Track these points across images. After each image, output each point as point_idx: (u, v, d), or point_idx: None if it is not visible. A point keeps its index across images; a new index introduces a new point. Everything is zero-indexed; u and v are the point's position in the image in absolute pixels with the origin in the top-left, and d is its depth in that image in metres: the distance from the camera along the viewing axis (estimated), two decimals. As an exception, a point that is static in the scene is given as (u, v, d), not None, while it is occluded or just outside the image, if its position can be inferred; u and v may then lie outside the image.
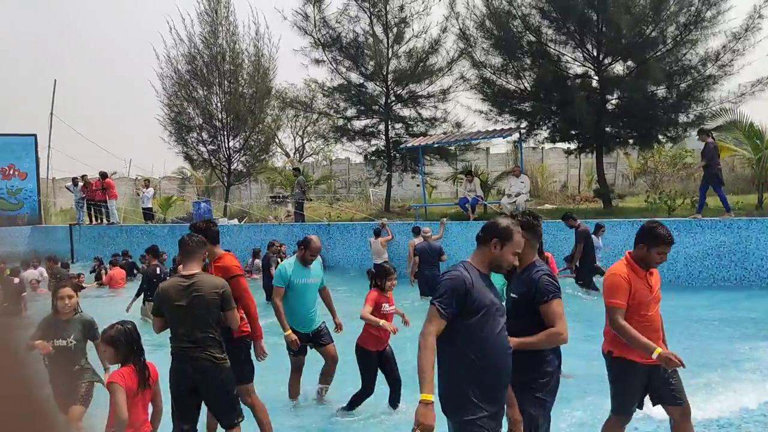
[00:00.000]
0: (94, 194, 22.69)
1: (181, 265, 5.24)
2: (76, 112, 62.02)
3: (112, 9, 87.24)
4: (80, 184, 23.01)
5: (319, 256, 6.70)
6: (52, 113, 26.22)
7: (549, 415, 4.05)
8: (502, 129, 18.67)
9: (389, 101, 21.66)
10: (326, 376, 6.72)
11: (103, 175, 22.70)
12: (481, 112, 19.20)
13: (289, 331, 6.29)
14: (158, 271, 11.37)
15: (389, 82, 21.45)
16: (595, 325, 9.48)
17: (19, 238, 24.80)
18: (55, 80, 26.61)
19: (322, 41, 21.61)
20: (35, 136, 26.18)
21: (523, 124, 18.84)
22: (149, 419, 4.40)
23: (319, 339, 6.61)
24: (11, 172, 25.53)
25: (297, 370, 6.68)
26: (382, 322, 5.96)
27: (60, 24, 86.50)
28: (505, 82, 18.72)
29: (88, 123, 62.86)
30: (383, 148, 22.27)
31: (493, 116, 19.01)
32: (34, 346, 5.07)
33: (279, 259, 14.71)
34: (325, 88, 22.88)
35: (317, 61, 21.89)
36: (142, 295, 11.34)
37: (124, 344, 4.32)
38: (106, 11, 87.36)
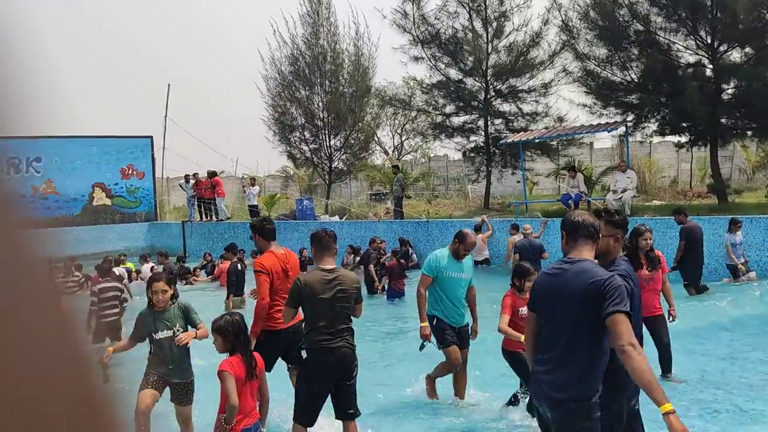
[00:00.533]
0: (204, 192, 23.84)
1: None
2: (189, 114, 65.41)
3: (221, 16, 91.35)
4: (192, 181, 24.25)
5: (471, 253, 6.36)
6: (166, 116, 27.79)
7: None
8: (607, 123, 17.98)
9: (489, 97, 21.40)
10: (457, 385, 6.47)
11: (212, 174, 23.80)
12: (585, 105, 18.59)
13: (425, 324, 6.17)
14: (239, 267, 11.80)
15: (489, 78, 21.19)
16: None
17: (138, 233, 26.48)
18: (169, 84, 28.07)
19: (420, 38, 21.66)
20: (151, 137, 27.85)
21: (630, 117, 18.05)
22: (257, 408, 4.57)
23: (459, 340, 6.31)
24: (130, 171, 27.29)
25: (451, 366, 6.29)
26: (522, 338, 5.34)
27: (173, 31, 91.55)
28: (610, 74, 18.02)
29: (200, 124, 66.18)
30: (482, 145, 22.03)
31: (597, 110, 18.35)
32: (124, 347, 5.31)
33: (378, 256, 14.91)
34: (424, 85, 22.93)
35: (416, 59, 21.97)
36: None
37: (231, 334, 4.50)
38: (214, 18, 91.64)
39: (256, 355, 4.59)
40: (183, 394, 5.21)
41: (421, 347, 6.36)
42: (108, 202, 26.74)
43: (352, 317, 5.06)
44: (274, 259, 5.82)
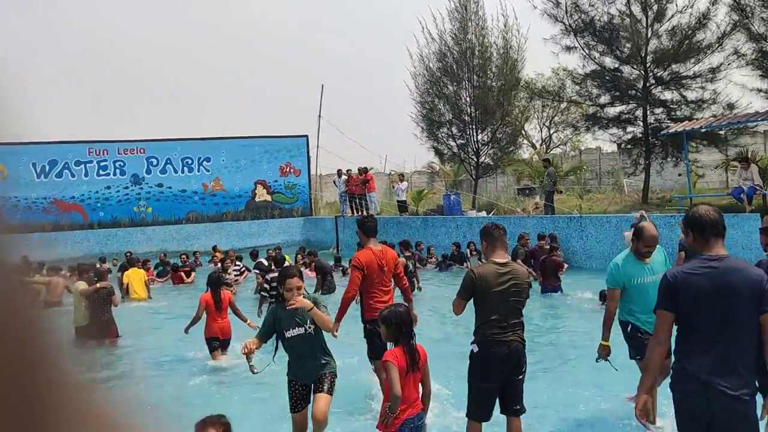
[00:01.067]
0: (354, 188, 24.65)
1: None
2: (340, 114, 68.04)
3: (371, 16, 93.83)
4: (344, 177, 25.17)
5: (659, 247, 5.60)
6: (320, 116, 29.08)
7: None
8: (787, 108, 16.31)
9: (648, 85, 20.19)
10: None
11: (363, 170, 24.54)
12: (760, 90, 17.01)
13: (606, 343, 5.62)
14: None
15: (648, 64, 19.98)
16: None
17: (295, 228, 27.95)
18: (323, 85, 29.31)
19: (573, 27, 20.89)
20: (307, 136, 29.29)
21: (815, 102, 16.25)
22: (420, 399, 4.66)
23: None
24: (288, 169, 28.90)
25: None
26: None
27: (327, 32, 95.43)
28: (790, 55, 16.34)
29: (350, 123, 68.53)
30: (640, 136, 20.84)
31: (775, 94, 16.72)
32: (256, 345, 5.00)
33: (526, 251, 14.62)
34: (576, 75, 22.10)
35: (568, 48, 21.23)
36: None
37: (393, 325, 4.62)
38: (364, 18, 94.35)
39: (420, 347, 4.67)
40: (323, 383, 5.11)
41: (597, 359, 5.84)
42: (268, 198, 28.51)
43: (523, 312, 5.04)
44: (371, 255, 6.38)
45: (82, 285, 10.23)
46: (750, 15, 16.76)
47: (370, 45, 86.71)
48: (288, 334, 5.07)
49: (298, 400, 5.18)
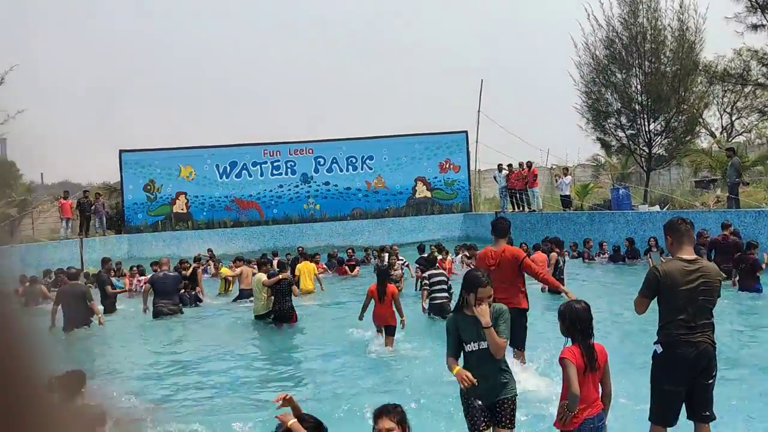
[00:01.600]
0: (515, 183, 24.20)
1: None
2: (500, 107, 67.29)
3: (529, 7, 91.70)
4: (504, 172, 24.82)
5: None
6: (479, 110, 28.92)
7: None
8: None
9: None
10: None
11: (528, 165, 24.00)
12: None
13: None
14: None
15: None
16: None
17: (454, 224, 28.05)
18: (482, 80, 29.11)
19: (760, 3, 18.96)
20: (466, 132, 29.26)
21: None
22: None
23: None
24: (447, 165, 29.07)
25: None
26: None
27: (485, 29, 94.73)
28: None
29: (510, 116, 67.52)
30: None
31: None
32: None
33: (701, 248, 13.47)
34: (764, 56, 20.06)
35: (754, 27, 19.36)
36: None
37: (568, 320, 4.48)
38: (522, 10, 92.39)
39: (599, 346, 4.50)
40: (504, 413, 4.56)
41: None
42: (428, 194, 28.88)
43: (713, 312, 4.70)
44: (486, 253, 7.14)
45: (263, 277, 11.13)
46: None
47: (530, 36, 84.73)
48: (468, 348, 4.56)
49: (477, 422, 4.56)
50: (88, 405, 4.90)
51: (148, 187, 28.03)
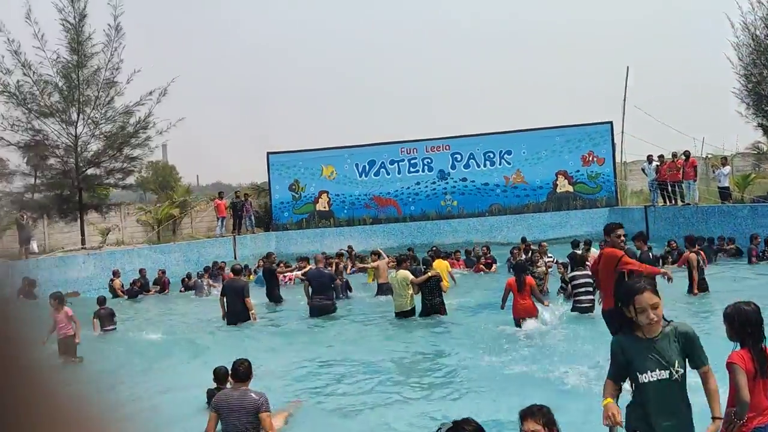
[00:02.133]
0: (667, 175, 22.78)
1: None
2: (648, 96, 63.75)
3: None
4: (655, 163, 23.45)
5: None
6: (625, 99, 27.49)
7: None
8: None
9: None
10: None
11: (686, 155, 22.52)
12: None
13: None
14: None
15: None
16: None
17: (599, 219, 26.91)
18: (628, 67, 27.65)
19: None
20: (611, 123, 27.97)
21: None
22: None
23: None
24: (590, 158, 27.94)
25: None
26: None
27: (630, 13, 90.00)
28: None
29: (660, 104, 63.70)
30: None
31: None
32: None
33: None
34: None
35: None
36: None
37: (737, 323, 4.22)
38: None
39: (770, 351, 4.18)
40: None
41: None
42: (570, 188, 27.93)
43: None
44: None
45: (408, 274, 11.46)
46: None
47: (679, 18, 79.33)
48: (643, 378, 3.72)
49: None
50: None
51: (293, 187, 29.47)
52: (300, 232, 28.85)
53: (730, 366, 4.15)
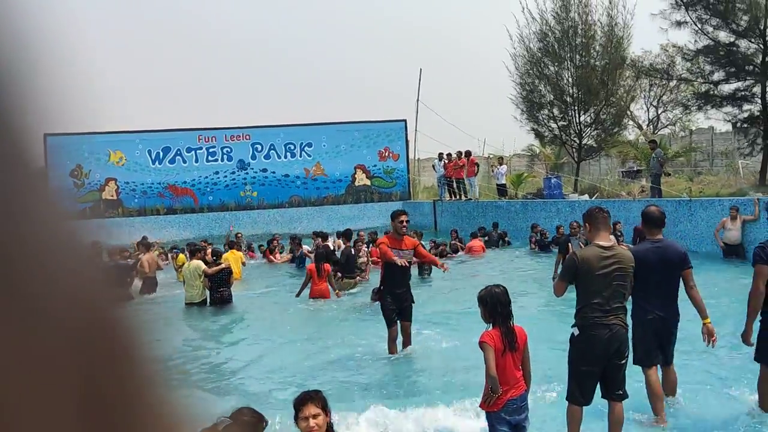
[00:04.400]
0: (453, 172, 24.56)
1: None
2: (438, 97, 67.90)
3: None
4: (444, 161, 25.16)
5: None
6: (418, 99, 29.15)
7: None
8: None
9: (767, 59, 18.88)
10: None
11: (466, 154, 24.38)
12: None
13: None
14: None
15: (768, 37, 18.69)
16: None
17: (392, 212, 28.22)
18: (421, 69, 29.34)
19: (684, 1, 19.82)
20: (405, 121, 29.47)
21: None
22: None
23: None
24: (387, 154, 29.22)
25: None
26: None
27: (421, 17, 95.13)
28: None
29: (449, 106, 68.27)
30: (758, 114, 19.55)
31: None
32: None
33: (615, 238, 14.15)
34: (687, 52, 21.01)
35: (678, 23, 20.22)
36: None
37: (489, 305, 4.62)
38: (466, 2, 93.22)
39: (519, 328, 4.69)
40: None
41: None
42: (368, 182, 28.99)
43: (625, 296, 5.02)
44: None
45: (201, 264, 11.08)
46: None
47: (468, 26, 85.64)
48: None
49: None
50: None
51: (75, 173, 27.06)
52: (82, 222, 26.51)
53: (481, 344, 4.57)
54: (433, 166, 26.73)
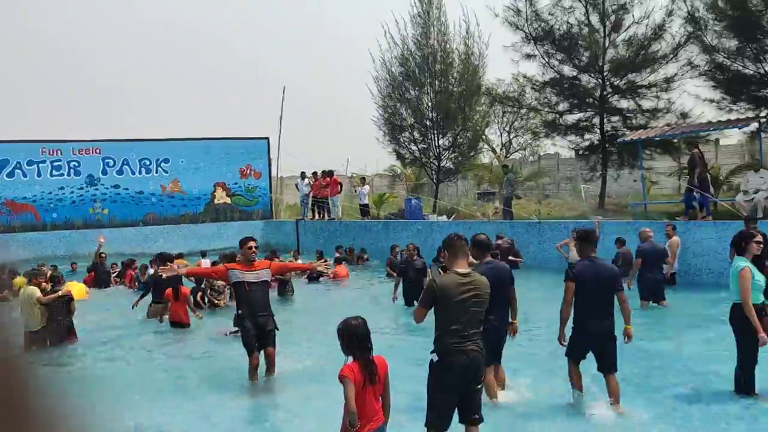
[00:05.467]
0: (318, 192, 24.48)
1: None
2: (303, 116, 67.73)
3: (335, 17, 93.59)
4: (307, 179, 25.00)
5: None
6: (281, 117, 28.83)
7: None
8: (738, 119, 16.84)
9: (605, 93, 20.63)
10: None
11: (328, 173, 24.39)
12: (712, 100, 17.56)
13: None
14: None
15: (605, 73, 20.42)
16: None
17: (254, 231, 27.58)
18: (284, 87, 29.06)
19: (533, 35, 21.22)
20: (268, 139, 28.99)
21: (763, 113, 16.82)
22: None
23: None
24: (248, 171, 28.55)
25: None
26: None
27: (287, 35, 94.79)
28: (741, 67, 16.90)
29: (313, 125, 68.20)
30: (597, 143, 21.27)
31: (726, 105, 17.30)
32: None
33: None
34: (536, 83, 22.44)
35: (528, 56, 21.56)
36: None
37: (345, 338, 4.51)
38: (328, 20, 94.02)
39: (379, 359, 4.62)
40: None
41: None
42: (228, 200, 28.13)
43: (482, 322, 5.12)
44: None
45: (35, 291, 10.02)
46: (703, 27, 17.27)
47: (334, 47, 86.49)
48: None
49: None
50: None
51: None
52: None
53: (341, 379, 4.44)
54: (296, 185, 26.49)
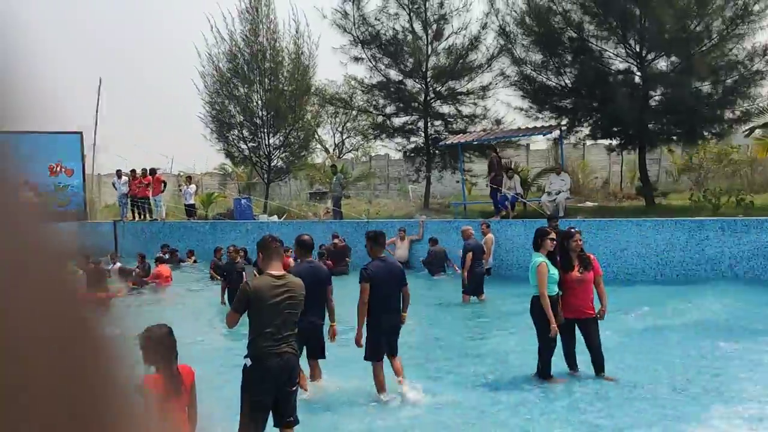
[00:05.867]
0: (138, 191, 23.13)
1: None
2: (122, 110, 63.57)
3: (154, 8, 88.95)
4: (124, 178, 23.52)
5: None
6: (97, 111, 26.90)
7: None
8: (543, 126, 18.45)
9: (428, 98, 21.59)
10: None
11: (151, 171, 23.10)
12: (522, 109, 19.03)
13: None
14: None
15: (428, 79, 21.38)
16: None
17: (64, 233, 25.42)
18: (101, 78, 27.13)
19: (361, 39, 21.66)
20: (81, 133, 26.82)
21: (564, 121, 18.59)
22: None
23: None
24: (58, 169, 26.24)
25: None
26: None
27: (104, 23, 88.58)
28: (545, 79, 18.49)
29: (134, 121, 64.26)
30: (422, 145, 22.21)
31: (533, 113, 18.82)
32: None
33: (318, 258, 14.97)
34: (364, 85, 22.94)
35: (356, 59, 21.95)
36: None
37: (147, 348, 4.26)
38: (147, 10, 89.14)
39: (185, 368, 4.41)
40: None
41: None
42: (35, 200, 25.64)
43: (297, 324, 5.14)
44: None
45: None
46: (513, 41, 18.67)
47: (157, 37, 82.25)
48: None
49: None
50: None
51: None
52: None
53: (140, 390, 4.19)
54: (113, 184, 24.80)
